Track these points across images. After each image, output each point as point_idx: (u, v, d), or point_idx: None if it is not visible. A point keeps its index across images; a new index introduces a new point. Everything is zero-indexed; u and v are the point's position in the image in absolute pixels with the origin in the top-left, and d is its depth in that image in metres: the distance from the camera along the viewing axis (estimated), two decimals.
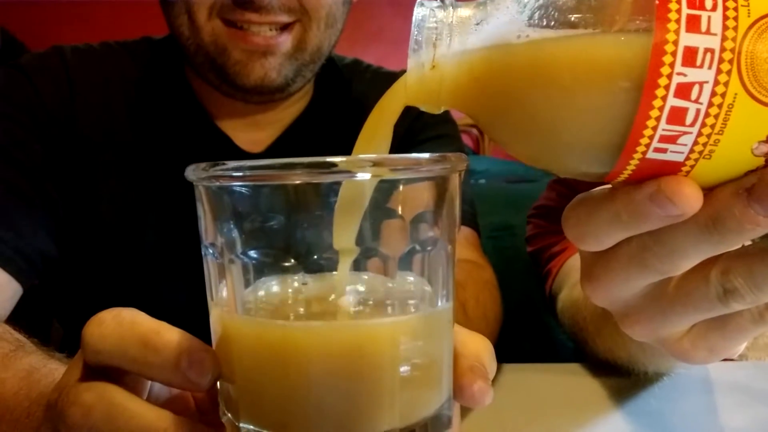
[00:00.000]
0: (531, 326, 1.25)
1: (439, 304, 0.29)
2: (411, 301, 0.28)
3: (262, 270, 0.27)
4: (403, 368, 0.27)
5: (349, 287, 0.28)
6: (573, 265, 0.80)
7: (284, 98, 0.74)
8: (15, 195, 0.66)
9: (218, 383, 0.31)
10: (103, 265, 0.71)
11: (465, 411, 0.34)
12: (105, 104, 0.72)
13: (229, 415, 0.30)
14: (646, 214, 0.25)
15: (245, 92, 0.69)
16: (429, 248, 0.28)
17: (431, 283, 0.29)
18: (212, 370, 0.29)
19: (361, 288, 0.28)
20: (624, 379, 0.62)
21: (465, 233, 0.79)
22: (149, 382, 0.33)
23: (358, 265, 0.28)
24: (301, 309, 0.27)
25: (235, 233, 0.27)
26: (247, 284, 0.28)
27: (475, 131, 2.63)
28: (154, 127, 0.72)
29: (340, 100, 0.79)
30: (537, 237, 0.89)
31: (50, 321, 0.96)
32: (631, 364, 0.60)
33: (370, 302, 0.28)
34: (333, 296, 0.28)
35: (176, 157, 0.57)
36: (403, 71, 0.27)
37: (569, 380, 0.66)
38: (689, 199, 0.24)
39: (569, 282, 0.77)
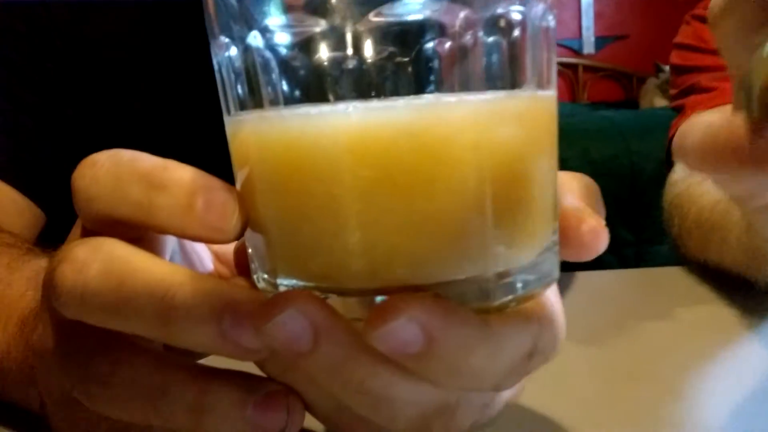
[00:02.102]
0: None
1: (538, 90, 0.21)
2: (501, 84, 0.20)
3: (289, 54, 0.20)
4: (494, 176, 0.19)
5: (414, 66, 0.20)
6: (703, 119, 0.67)
7: None
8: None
9: (246, 240, 0.24)
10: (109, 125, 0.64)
11: None
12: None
13: (264, 274, 0.23)
14: None
15: None
16: (519, 13, 0.20)
17: (524, 67, 0.21)
18: (237, 213, 0.22)
19: (433, 70, 0.20)
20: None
21: None
22: (167, 253, 0.26)
23: (425, 32, 0.20)
24: (352, 95, 0.19)
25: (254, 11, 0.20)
26: (271, 80, 0.20)
27: None
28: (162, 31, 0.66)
29: None
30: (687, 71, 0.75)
31: None
32: (741, 270, 0.52)
33: (445, 86, 0.20)
34: (393, 76, 0.20)
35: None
36: None
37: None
38: None
39: (688, 146, 0.66)
